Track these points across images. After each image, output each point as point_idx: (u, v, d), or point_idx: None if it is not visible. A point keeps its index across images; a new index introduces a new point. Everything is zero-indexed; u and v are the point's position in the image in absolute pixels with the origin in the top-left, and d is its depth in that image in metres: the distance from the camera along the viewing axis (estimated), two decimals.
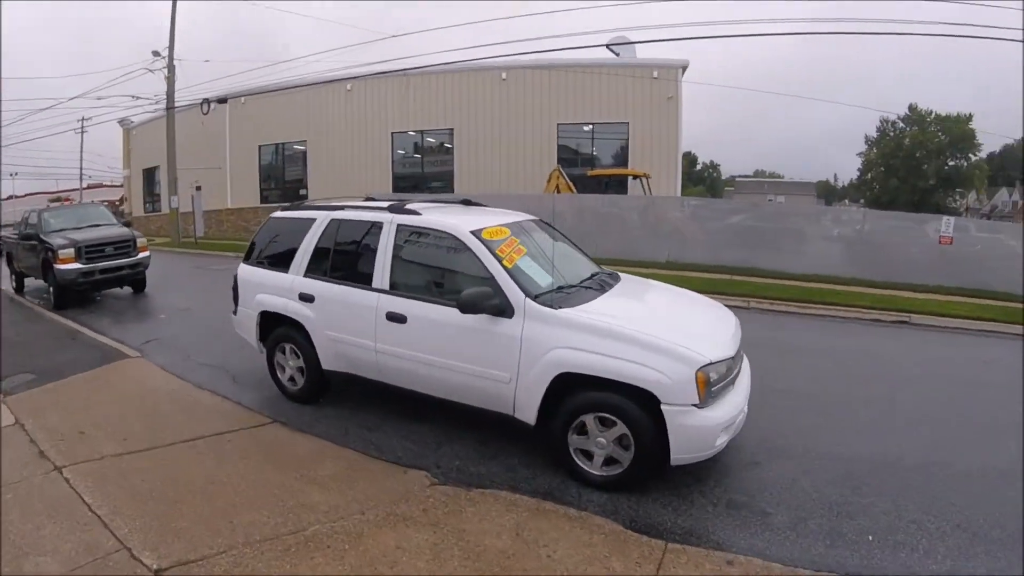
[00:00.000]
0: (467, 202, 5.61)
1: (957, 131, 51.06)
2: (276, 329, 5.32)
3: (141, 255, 11.10)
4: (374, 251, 4.64)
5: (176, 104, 21.11)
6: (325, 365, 5.02)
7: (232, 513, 3.57)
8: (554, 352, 3.78)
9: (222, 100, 20.14)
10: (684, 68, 22.41)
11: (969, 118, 50.58)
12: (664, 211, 17.40)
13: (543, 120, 23.40)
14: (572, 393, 3.81)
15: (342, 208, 5.13)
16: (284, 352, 5.33)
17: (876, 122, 58.27)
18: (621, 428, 3.70)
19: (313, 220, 5.16)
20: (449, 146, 24.88)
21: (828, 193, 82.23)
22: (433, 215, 4.66)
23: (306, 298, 4.97)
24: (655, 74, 22.25)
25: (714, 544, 3.32)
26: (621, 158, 23.24)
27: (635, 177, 20.29)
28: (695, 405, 3.52)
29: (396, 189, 24.32)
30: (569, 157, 23.72)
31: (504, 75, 23.10)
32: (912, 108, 54.25)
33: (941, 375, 6.98)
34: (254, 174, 27.27)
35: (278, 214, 5.66)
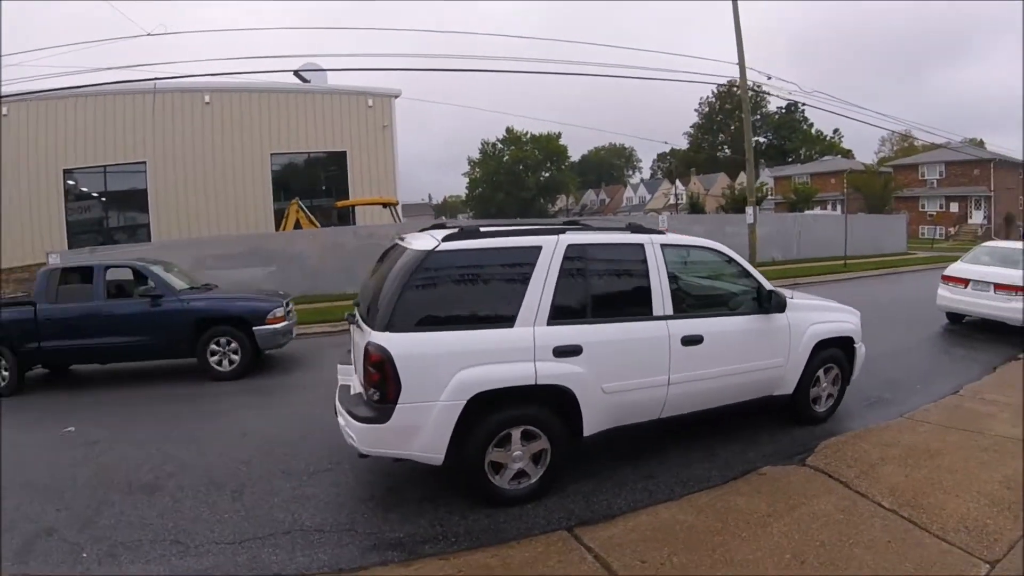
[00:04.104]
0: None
1: (550, 147, 66.80)
2: (489, 416, 4.13)
3: None
4: (644, 276, 4.69)
5: None
6: (590, 430, 4.42)
7: None
8: (812, 328, 5.42)
9: None
10: (396, 96, 25.02)
11: (558, 136, 66.74)
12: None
13: (254, 149, 22.88)
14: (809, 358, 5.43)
15: (562, 231, 4.57)
16: (507, 445, 4.23)
17: (478, 145, 71.35)
18: (835, 370, 5.69)
19: (537, 248, 4.35)
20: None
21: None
22: (671, 233, 5.32)
23: (567, 351, 4.24)
24: (370, 103, 24.33)
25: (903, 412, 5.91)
26: (342, 188, 24.39)
27: (385, 205, 22.02)
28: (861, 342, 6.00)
29: (73, 243, 20.29)
30: (285, 188, 23.62)
31: (207, 98, 21.75)
32: (509, 130, 68.11)
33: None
34: None
35: (449, 246, 4.24)
